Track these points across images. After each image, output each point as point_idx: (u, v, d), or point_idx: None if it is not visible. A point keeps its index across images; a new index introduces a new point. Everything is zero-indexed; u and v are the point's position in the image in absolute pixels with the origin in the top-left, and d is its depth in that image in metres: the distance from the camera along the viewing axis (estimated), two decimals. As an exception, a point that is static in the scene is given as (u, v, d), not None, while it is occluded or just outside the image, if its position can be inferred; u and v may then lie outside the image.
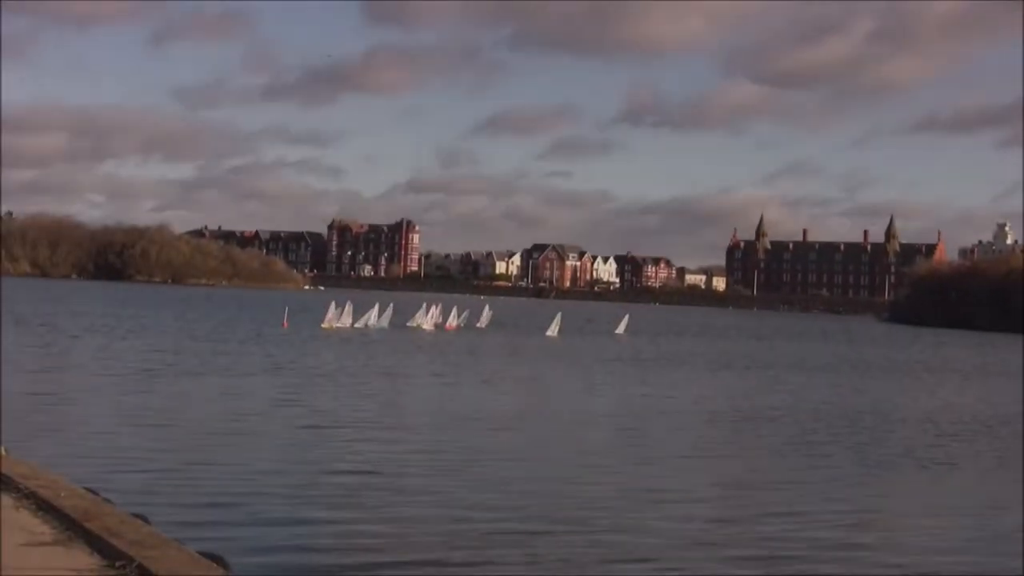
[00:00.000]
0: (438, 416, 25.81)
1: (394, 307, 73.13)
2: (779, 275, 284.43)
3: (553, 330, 72.43)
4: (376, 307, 68.06)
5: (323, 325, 64.26)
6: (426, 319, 70.80)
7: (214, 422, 22.70)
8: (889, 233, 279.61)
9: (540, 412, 28.40)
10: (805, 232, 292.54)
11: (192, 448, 19.26)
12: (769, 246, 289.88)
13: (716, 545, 13.56)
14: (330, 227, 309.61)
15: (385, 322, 67.36)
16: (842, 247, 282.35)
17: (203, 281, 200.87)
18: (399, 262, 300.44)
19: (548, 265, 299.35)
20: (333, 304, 67.06)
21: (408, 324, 69.22)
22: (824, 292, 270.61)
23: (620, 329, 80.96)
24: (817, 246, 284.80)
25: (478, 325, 75.53)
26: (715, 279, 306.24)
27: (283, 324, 65.39)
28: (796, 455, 22.47)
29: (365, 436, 21.78)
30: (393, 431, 23.02)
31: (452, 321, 74.36)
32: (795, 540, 14.11)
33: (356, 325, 65.73)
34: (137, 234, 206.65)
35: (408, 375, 37.39)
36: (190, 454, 18.66)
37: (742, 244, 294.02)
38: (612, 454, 21.20)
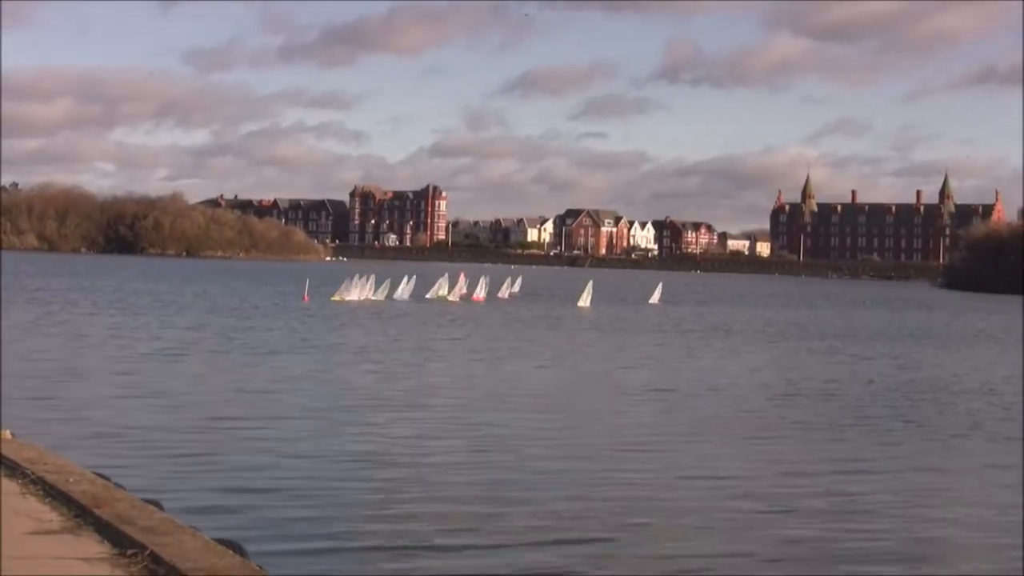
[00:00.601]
0: (474, 395, 25.71)
1: (417, 278, 74.42)
2: (827, 239, 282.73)
3: (585, 300, 72.89)
4: (389, 280, 68.91)
5: (333, 298, 64.98)
6: (451, 290, 71.74)
7: (234, 403, 22.78)
8: (943, 193, 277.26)
9: (582, 389, 28.32)
10: (854, 193, 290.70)
11: (210, 430, 19.20)
12: (816, 208, 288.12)
13: (786, 542, 13.06)
14: (352, 194, 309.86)
15: (406, 294, 68.59)
16: (893, 209, 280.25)
17: (219, 253, 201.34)
18: (425, 231, 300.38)
19: (582, 232, 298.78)
20: (355, 277, 67.91)
21: (428, 296, 70.37)
22: (875, 257, 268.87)
23: (654, 298, 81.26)
24: (867, 208, 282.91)
25: (503, 295, 76.52)
26: (759, 244, 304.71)
27: (303, 298, 66.00)
28: (858, 434, 22.20)
29: (393, 418, 21.74)
30: (425, 410, 23.20)
31: (480, 292, 75.50)
32: (868, 534, 13.79)
33: (373, 297, 66.40)
34: (149, 204, 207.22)
35: (437, 350, 37.42)
36: (208, 436, 18.62)
37: (787, 207, 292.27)
38: (662, 435, 20.92)
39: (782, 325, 61.87)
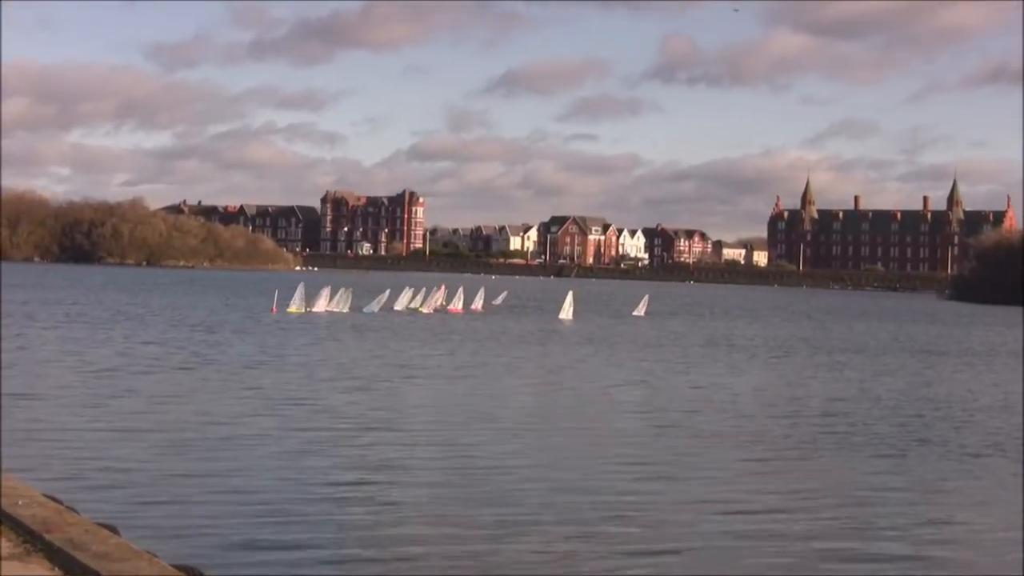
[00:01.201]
0: (453, 416, 25.56)
1: (391, 291, 75.16)
2: (828, 248, 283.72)
3: (566, 312, 73.18)
4: (342, 291, 69.63)
5: (290, 309, 65.66)
6: (425, 301, 72.79)
7: (197, 425, 22.66)
8: (952, 199, 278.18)
9: (569, 408, 28.12)
10: (857, 199, 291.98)
11: (172, 453, 19.19)
12: (817, 215, 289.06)
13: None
14: (324, 200, 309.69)
15: (376, 306, 69.53)
16: (899, 215, 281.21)
17: (182, 263, 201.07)
18: (402, 239, 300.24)
19: (568, 240, 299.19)
20: (301, 286, 68.86)
21: (398, 307, 71.51)
22: (879, 266, 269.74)
23: (640, 310, 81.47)
24: (871, 215, 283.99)
25: (476, 307, 77.37)
26: (756, 253, 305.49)
27: (272, 310, 66.52)
28: (871, 454, 22.08)
29: (368, 441, 21.67)
30: (403, 432, 22.92)
31: (457, 303, 77.21)
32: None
33: (335, 309, 67.25)
34: (107, 211, 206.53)
35: (410, 365, 37.18)
36: (170, 459, 18.56)
37: (786, 213, 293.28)
38: (661, 458, 20.84)
39: (786, 339, 61.73)
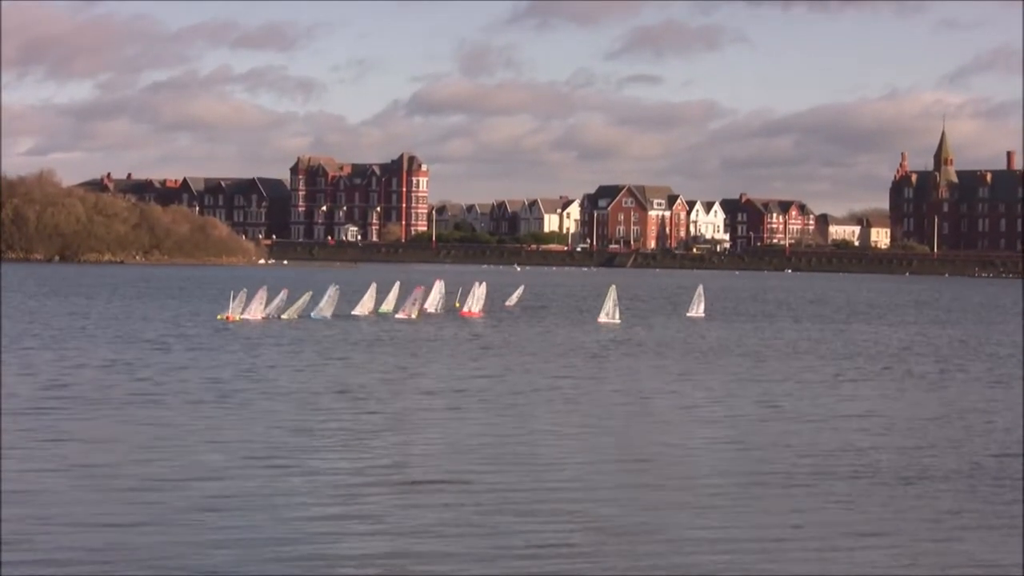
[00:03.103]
0: (470, 457, 26.12)
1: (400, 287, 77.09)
2: (971, 222, 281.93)
3: (610, 313, 73.60)
4: (284, 292, 71.56)
5: (220, 316, 67.86)
6: (404, 303, 74.68)
7: (143, 464, 22.90)
8: None
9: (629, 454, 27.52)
10: (1011, 156, 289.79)
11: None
12: (956, 179, 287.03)
13: None
14: (295, 170, 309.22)
15: (328, 311, 71.31)
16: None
17: (107, 256, 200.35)
18: (399, 220, 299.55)
19: (622, 218, 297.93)
20: (245, 291, 70.07)
21: (356, 312, 73.84)
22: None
23: (695, 310, 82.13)
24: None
25: (468, 311, 78.75)
26: (874, 231, 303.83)
27: (227, 316, 67.66)
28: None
29: (348, 489, 22.00)
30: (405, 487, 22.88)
31: (472, 305, 79.27)
32: None
33: (279, 316, 68.95)
34: (7, 188, 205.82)
35: (399, 392, 37.10)
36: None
37: (915, 177, 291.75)
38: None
39: (941, 345, 60.91)
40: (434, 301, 78.75)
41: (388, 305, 76.04)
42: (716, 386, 40.66)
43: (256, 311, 68.51)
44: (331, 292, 72.29)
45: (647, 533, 19.65)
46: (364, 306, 75.05)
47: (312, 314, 69.81)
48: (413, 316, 72.55)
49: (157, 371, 41.33)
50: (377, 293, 76.91)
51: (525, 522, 19.91)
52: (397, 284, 78.98)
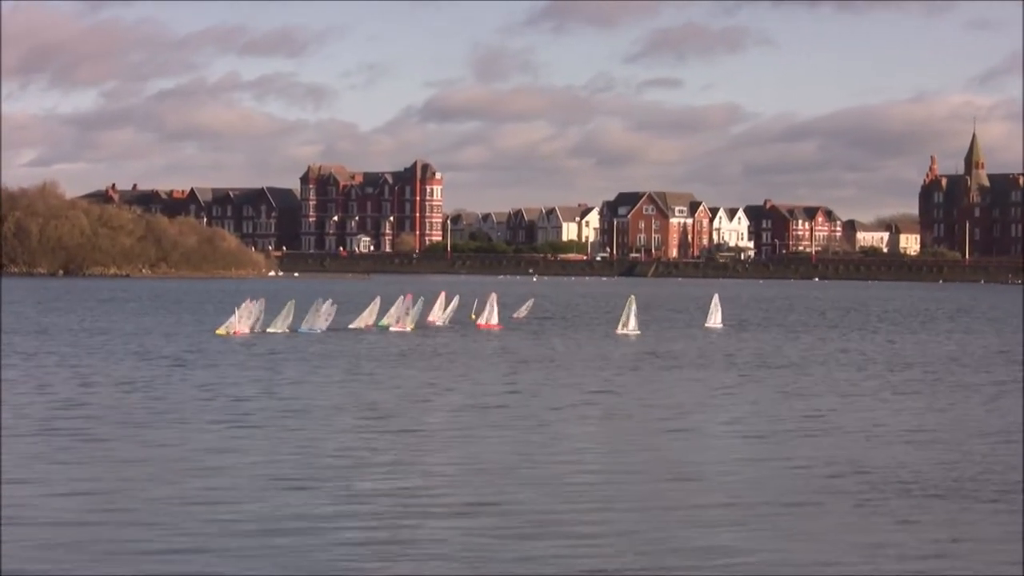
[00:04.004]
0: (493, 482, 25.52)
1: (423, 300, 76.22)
2: (1005, 227, 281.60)
3: (628, 324, 73.38)
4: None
5: (218, 331, 67.56)
6: (403, 314, 74.46)
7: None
8: None
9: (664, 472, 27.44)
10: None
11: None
12: (988, 183, 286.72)
13: None
14: (305, 179, 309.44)
15: (322, 323, 71.03)
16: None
17: (112, 270, 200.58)
18: (413, 229, 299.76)
19: (643, 225, 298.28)
20: (254, 302, 70.06)
21: (352, 325, 73.27)
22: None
23: (712, 320, 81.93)
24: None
25: (432, 320, 78.84)
26: (904, 237, 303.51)
27: (234, 332, 67.44)
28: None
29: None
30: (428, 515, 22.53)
31: (488, 317, 78.68)
32: None
33: (272, 330, 68.54)
34: (9, 201, 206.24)
35: (406, 413, 36.45)
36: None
37: (945, 181, 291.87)
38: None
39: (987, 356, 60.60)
40: (439, 313, 78.88)
41: (389, 318, 75.36)
42: (760, 399, 40.46)
43: (243, 325, 68.07)
44: (324, 307, 71.93)
45: (702, 553, 19.62)
46: (363, 319, 74.64)
47: (301, 328, 69.41)
48: (408, 328, 72.42)
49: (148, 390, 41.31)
50: (382, 305, 76.32)
51: (573, 545, 19.94)
52: (401, 297, 77.40)
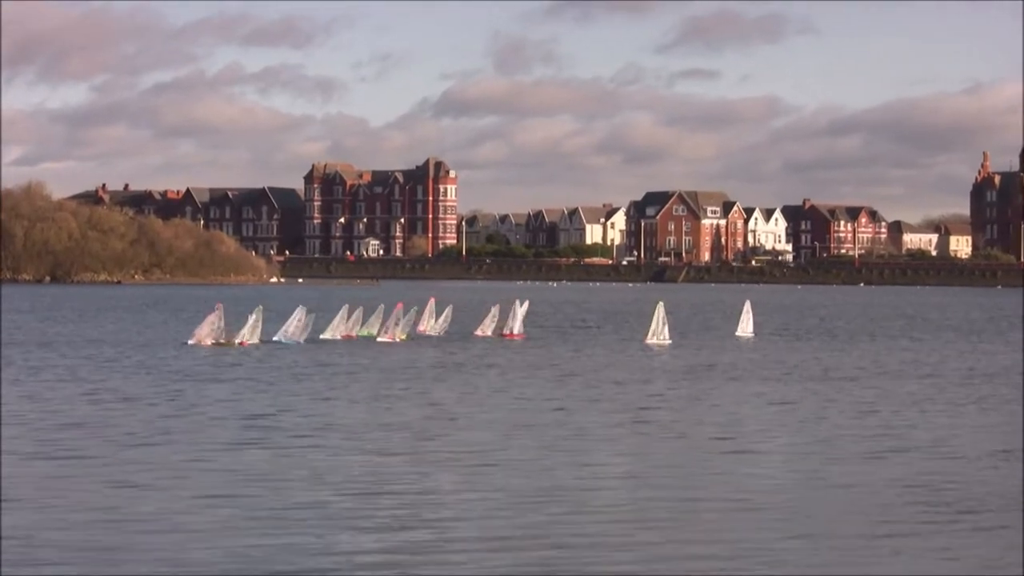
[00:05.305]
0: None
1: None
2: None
3: (659, 332, 73.59)
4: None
5: (190, 341, 68.04)
6: (390, 324, 74.85)
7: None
8: None
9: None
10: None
11: None
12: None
13: None
14: (309, 179, 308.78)
15: (299, 333, 71.24)
16: None
17: (102, 276, 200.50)
18: (426, 232, 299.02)
19: (672, 227, 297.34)
20: (221, 309, 70.19)
21: (324, 336, 73.41)
22: None
23: (743, 328, 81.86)
24: None
25: (422, 328, 78.32)
26: (954, 239, 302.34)
27: (240, 342, 67.76)
28: None
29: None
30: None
31: (514, 326, 79.29)
32: None
33: (251, 340, 68.62)
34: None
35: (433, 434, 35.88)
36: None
37: (998, 179, 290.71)
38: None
39: None
40: (430, 322, 78.74)
41: (371, 327, 75.74)
42: (831, 416, 40.32)
43: (206, 335, 68.47)
44: (299, 314, 72.20)
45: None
46: (336, 328, 74.79)
47: (277, 337, 69.61)
48: (399, 338, 72.52)
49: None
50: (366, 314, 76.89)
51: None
52: (400, 306, 77.84)
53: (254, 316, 69.94)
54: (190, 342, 67.69)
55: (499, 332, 78.10)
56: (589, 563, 20.88)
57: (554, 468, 30.15)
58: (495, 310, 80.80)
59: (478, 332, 78.56)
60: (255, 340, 68.40)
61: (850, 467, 30.73)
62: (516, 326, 78.75)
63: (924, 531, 23.62)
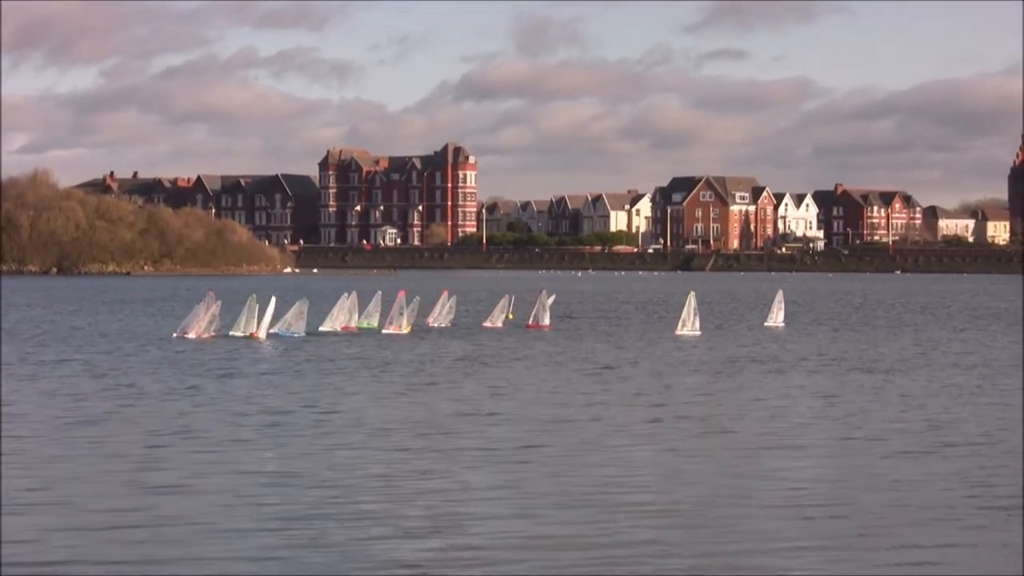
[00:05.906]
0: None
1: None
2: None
3: (689, 323, 73.62)
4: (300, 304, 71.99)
5: (175, 334, 68.24)
6: (391, 315, 74.48)
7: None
8: None
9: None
10: None
11: None
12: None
13: None
14: (324, 165, 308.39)
15: (298, 326, 71.01)
16: None
17: (111, 267, 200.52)
18: (444, 220, 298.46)
19: (700, 214, 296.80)
20: (211, 297, 70.19)
21: (323, 328, 72.97)
22: None
23: (772, 319, 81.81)
24: None
25: (428, 321, 78.10)
26: (992, 225, 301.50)
27: (252, 335, 67.59)
28: None
29: None
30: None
31: (542, 316, 78.32)
32: None
33: (237, 333, 68.30)
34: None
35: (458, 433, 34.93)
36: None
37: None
38: None
39: None
40: (438, 314, 78.86)
41: (369, 318, 75.81)
42: (876, 409, 39.92)
43: (200, 328, 68.31)
44: (300, 306, 71.94)
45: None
46: (335, 320, 74.24)
47: (275, 329, 69.20)
48: (404, 329, 72.24)
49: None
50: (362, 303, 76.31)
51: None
52: (403, 295, 76.99)
53: (270, 307, 69.39)
54: (190, 335, 67.15)
55: (523, 323, 77.75)
56: (640, 562, 20.66)
57: (598, 465, 29.71)
58: (504, 301, 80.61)
59: (487, 323, 78.63)
60: (261, 334, 68.14)
61: (900, 462, 30.46)
62: (545, 317, 78.08)
63: (977, 525, 23.45)
